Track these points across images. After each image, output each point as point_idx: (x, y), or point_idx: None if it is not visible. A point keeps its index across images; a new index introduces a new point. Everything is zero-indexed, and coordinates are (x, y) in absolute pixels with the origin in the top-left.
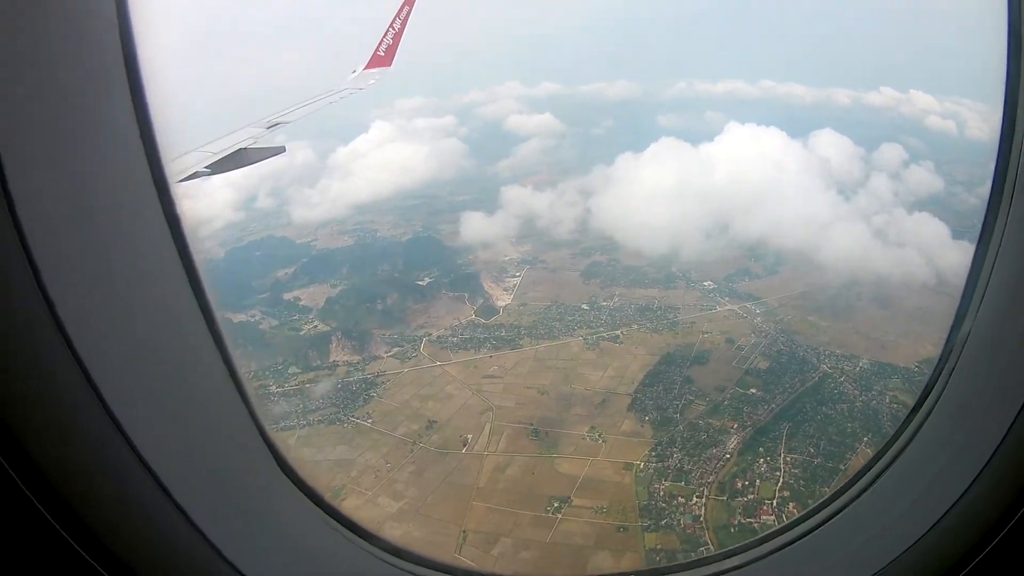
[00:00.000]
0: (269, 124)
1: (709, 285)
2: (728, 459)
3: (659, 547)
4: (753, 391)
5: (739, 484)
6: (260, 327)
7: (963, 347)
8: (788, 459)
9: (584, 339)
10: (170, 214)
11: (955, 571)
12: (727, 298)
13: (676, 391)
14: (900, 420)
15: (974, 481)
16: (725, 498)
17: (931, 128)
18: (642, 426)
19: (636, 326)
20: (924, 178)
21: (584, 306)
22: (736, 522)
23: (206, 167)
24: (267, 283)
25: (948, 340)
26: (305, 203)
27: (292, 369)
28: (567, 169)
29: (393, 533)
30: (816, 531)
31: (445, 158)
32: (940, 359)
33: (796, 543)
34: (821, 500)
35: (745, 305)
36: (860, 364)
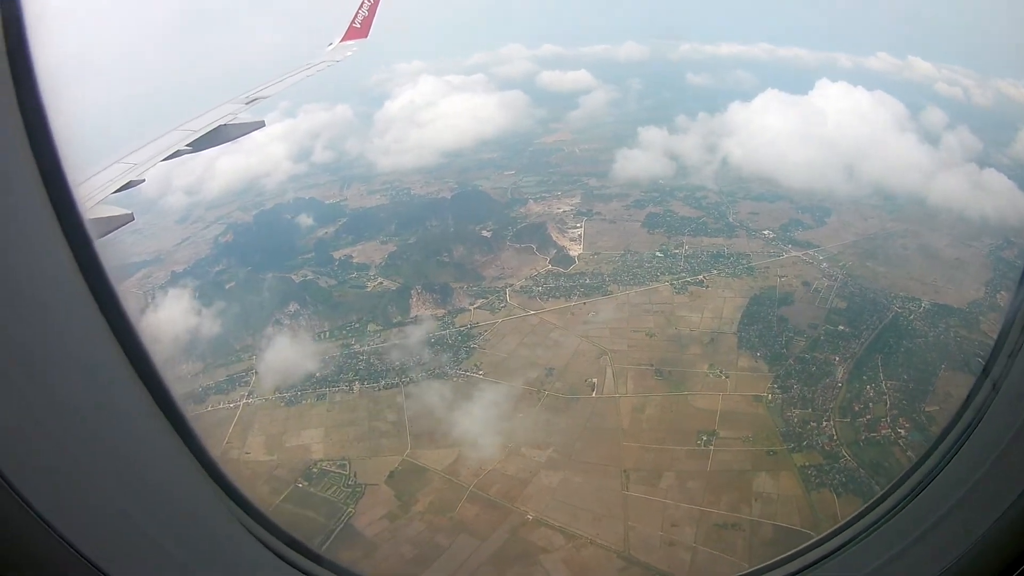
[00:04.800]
0: (248, 100)
1: (768, 234)
2: (840, 387)
3: (808, 464)
4: (842, 328)
5: (855, 407)
6: (320, 286)
7: (1012, 363)
8: (888, 384)
9: (671, 284)
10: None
11: None
12: (789, 245)
13: (774, 329)
14: (950, 415)
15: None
16: (848, 419)
17: (942, 94)
18: (756, 361)
19: (715, 272)
20: (966, 139)
21: (658, 254)
22: (863, 438)
23: (187, 144)
24: (310, 243)
25: (993, 353)
26: (385, 151)
27: (372, 326)
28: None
29: (551, 481)
30: (849, 546)
31: (516, 108)
32: (984, 371)
33: (829, 559)
34: (856, 512)
35: (808, 252)
36: (923, 305)
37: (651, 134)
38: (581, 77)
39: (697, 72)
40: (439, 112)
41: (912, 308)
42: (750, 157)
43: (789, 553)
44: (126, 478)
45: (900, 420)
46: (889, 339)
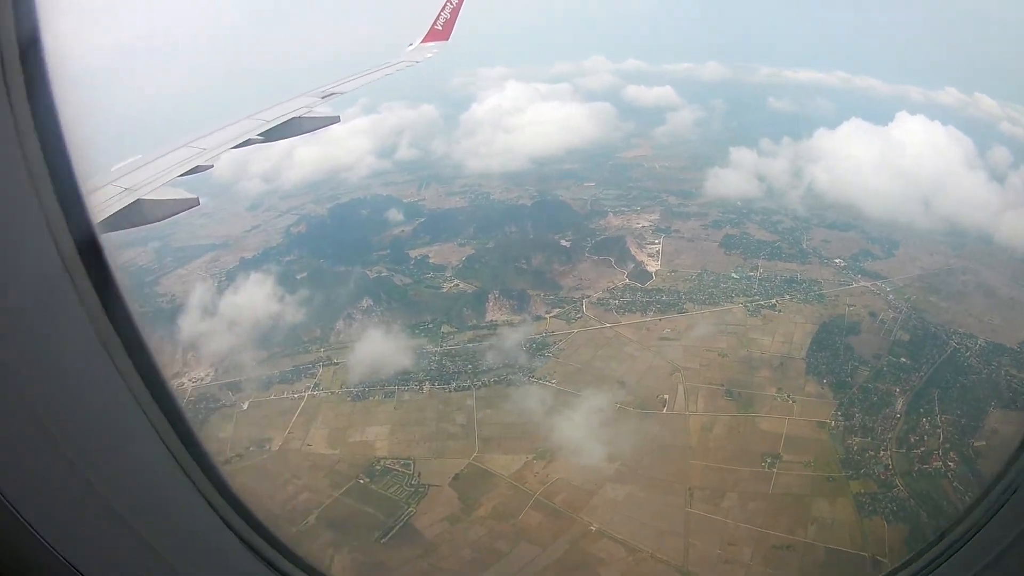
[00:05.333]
0: (324, 94)
1: (840, 263)
2: (899, 418)
3: (863, 491)
4: (904, 360)
5: (912, 439)
6: (395, 283)
7: None
8: (942, 418)
9: (745, 306)
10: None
11: None
12: (859, 275)
13: (841, 357)
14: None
15: None
16: (904, 450)
17: (1006, 133)
18: (822, 388)
19: (788, 296)
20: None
21: (734, 275)
22: (916, 469)
23: (259, 134)
24: (386, 240)
25: None
26: (472, 153)
27: (445, 328)
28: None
29: (616, 494)
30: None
31: (605, 120)
32: None
33: None
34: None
35: (876, 283)
36: (979, 342)
37: (734, 155)
38: (666, 93)
39: (779, 97)
40: (526, 119)
41: (969, 345)
42: (829, 185)
43: None
44: (122, 484)
45: (951, 454)
46: (946, 374)
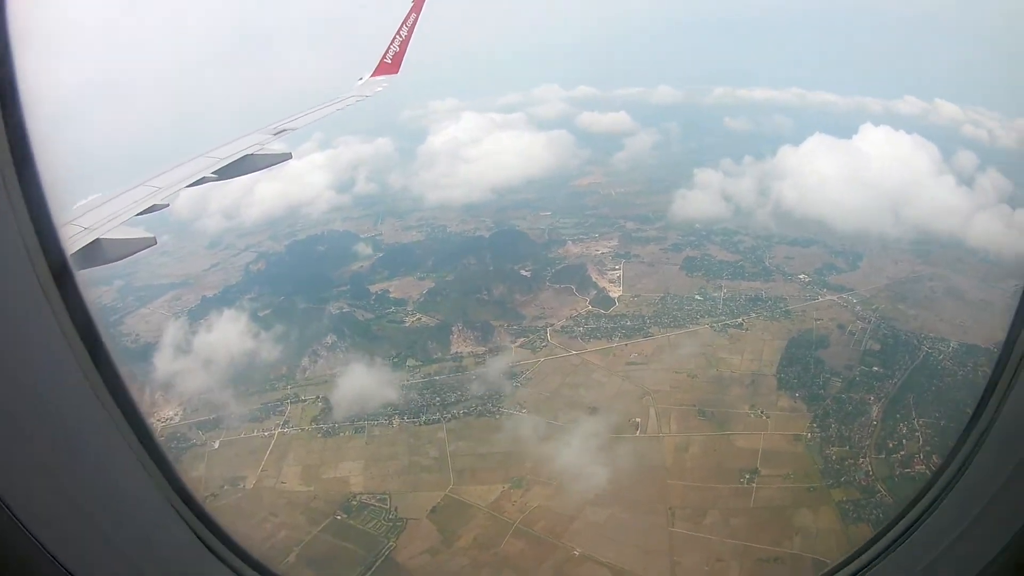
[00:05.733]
0: (276, 131)
1: (804, 278)
2: (875, 425)
3: (846, 499)
4: (876, 368)
5: (890, 444)
6: (358, 319)
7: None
8: (921, 422)
9: (711, 327)
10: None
11: None
12: (824, 289)
13: (812, 370)
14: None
15: None
16: (883, 456)
17: (968, 136)
18: (795, 402)
19: (754, 315)
20: (997, 181)
21: (698, 296)
22: (897, 473)
23: (213, 172)
24: (345, 276)
25: (998, 363)
26: (433, 185)
27: (410, 361)
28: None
29: (597, 518)
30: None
31: (563, 148)
32: (988, 386)
33: None
34: (871, 537)
35: (842, 296)
36: (951, 345)
37: (696, 178)
38: (621, 119)
39: (735, 116)
40: (483, 149)
41: (941, 348)
42: (795, 202)
43: None
44: (87, 485)
45: (932, 457)
46: (921, 379)
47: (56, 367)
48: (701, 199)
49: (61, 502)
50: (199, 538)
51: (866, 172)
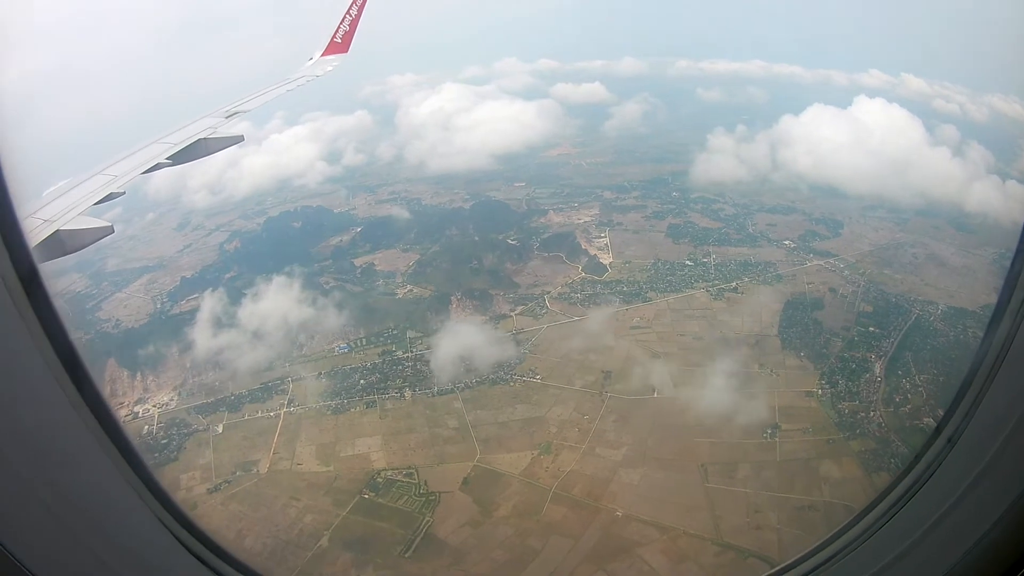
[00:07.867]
0: (228, 114)
1: (789, 244)
2: (880, 381)
3: (864, 449)
4: (872, 329)
5: (897, 398)
6: (349, 292)
7: (998, 365)
8: (921, 378)
9: (707, 291)
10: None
11: None
12: (811, 255)
13: (812, 331)
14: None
15: (1006, 511)
16: (892, 409)
17: (940, 111)
18: (801, 360)
19: (747, 279)
20: (980, 152)
21: (688, 262)
22: (908, 424)
23: (167, 158)
24: (326, 251)
25: (979, 354)
26: (434, 154)
27: (411, 333)
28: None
29: (632, 479)
30: (836, 559)
31: (555, 115)
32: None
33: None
34: (840, 527)
35: (829, 261)
36: (940, 308)
37: (671, 147)
38: (596, 90)
39: (707, 88)
40: (471, 120)
41: (931, 311)
42: (771, 171)
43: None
44: (68, 494)
45: (938, 409)
46: (916, 338)
47: (28, 374)
48: (689, 168)
49: (33, 506)
50: (180, 542)
51: (856, 143)
